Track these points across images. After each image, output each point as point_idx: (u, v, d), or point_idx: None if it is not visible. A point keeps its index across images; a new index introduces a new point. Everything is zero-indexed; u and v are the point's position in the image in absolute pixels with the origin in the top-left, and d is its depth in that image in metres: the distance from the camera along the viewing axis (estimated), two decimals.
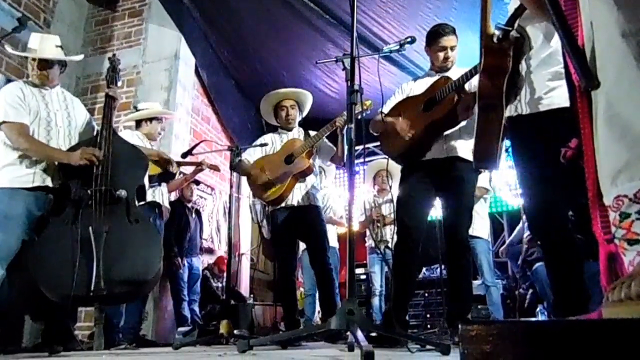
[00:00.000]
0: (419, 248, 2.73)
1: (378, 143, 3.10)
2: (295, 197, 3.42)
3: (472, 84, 2.61)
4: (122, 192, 2.67)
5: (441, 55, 2.83)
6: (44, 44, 2.91)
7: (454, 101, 2.55)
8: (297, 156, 3.37)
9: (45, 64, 2.86)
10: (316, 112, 3.82)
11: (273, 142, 3.59)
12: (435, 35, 2.83)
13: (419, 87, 2.88)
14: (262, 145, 3.56)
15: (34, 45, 2.91)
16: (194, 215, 4.92)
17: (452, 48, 2.83)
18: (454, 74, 2.78)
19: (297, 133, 3.58)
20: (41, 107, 2.79)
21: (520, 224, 4.57)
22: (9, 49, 3.01)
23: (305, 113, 3.71)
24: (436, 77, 2.81)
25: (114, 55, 3.23)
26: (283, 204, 3.42)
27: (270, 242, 3.64)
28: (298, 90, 3.70)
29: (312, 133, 3.43)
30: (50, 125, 2.81)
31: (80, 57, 3.25)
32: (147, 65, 5.23)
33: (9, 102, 2.69)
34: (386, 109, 2.94)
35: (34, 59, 2.86)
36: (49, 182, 2.72)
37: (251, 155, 3.58)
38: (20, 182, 2.64)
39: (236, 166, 3.40)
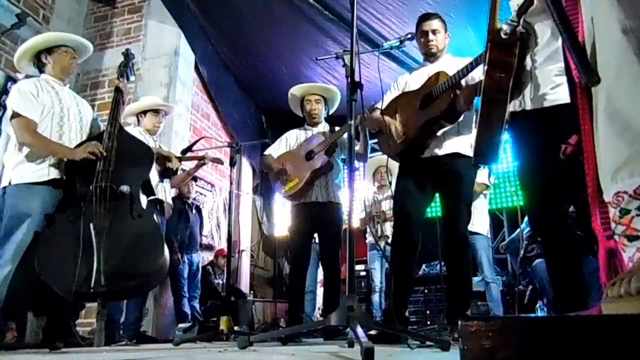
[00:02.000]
0: (419, 244, 2.73)
1: (377, 140, 3.09)
2: (315, 193, 3.43)
3: (470, 76, 2.61)
4: (125, 188, 2.66)
5: (423, 40, 2.84)
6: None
7: (451, 98, 2.54)
8: (318, 152, 3.39)
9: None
10: None
11: (298, 137, 3.62)
12: (417, 24, 2.88)
13: (415, 79, 2.86)
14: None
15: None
16: (193, 212, 4.93)
17: (433, 32, 2.82)
18: (446, 62, 2.80)
19: (323, 129, 3.59)
20: (55, 103, 2.81)
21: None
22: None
23: (332, 110, 3.72)
24: (430, 68, 2.81)
25: (127, 50, 3.22)
26: (303, 200, 3.45)
27: (289, 235, 3.66)
28: (325, 85, 3.75)
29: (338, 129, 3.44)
30: (63, 120, 2.82)
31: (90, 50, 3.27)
32: (147, 62, 5.22)
33: (22, 96, 2.70)
34: (383, 105, 2.93)
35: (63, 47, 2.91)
36: (61, 175, 2.74)
37: (276, 150, 3.64)
38: (36, 176, 2.66)
39: (260, 161, 3.45)
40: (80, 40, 3.06)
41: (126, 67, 3.10)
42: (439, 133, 2.71)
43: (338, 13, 4.71)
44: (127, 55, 3.15)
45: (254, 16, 5.05)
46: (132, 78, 3.14)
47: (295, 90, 3.64)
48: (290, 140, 3.64)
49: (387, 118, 2.79)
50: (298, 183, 3.40)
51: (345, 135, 3.38)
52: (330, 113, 3.73)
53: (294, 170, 3.45)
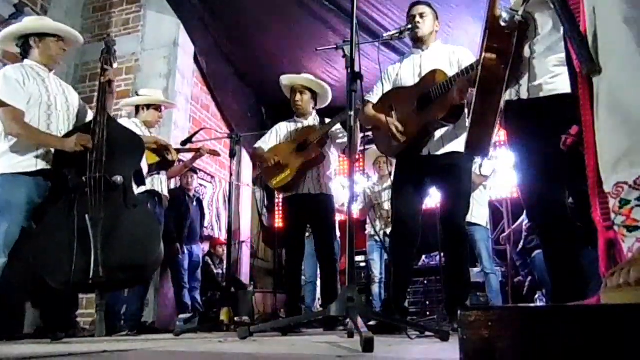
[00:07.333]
0: (418, 235, 2.74)
1: (372, 135, 3.07)
2: (307, 185, 3.43)
3: (464, 67, 2.57)
4: (118, 178, 2.65)
5: (411, 25, 2.82)
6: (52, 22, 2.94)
7: (451, 101, 2.50)
8: (309, 144, 3.38)
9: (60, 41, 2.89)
10: None
11: (288, 129, 3.61)
12: (407, 11, 2.88)
13: (406, 71, 2.84)
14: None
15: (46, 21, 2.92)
16: (194, 203, 4.92)
17: (420, 15, 2.81)
18: (437, 50, 2.79)
19: (313, 121, 3.57)
20: (42, 91, 2.76)
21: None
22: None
23: (322, 105, 3.68)
24: (422, 58, 2.79)
25: (108, 35, 3.18)
26: (294, 192, 3.45)
27: (270, 229, 3.67)
28: (310, 78, 3.64)
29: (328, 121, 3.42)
30: (50, 109, 2.77)
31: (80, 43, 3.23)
32: (146, 53, 5.19)
33: (8, 84, 2.64)
34: (375, 98, 2.91)
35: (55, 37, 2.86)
36: (50, 166, 2.70)
37: (266, 142, 3.63)
38: (22, 167, 2.62)
39: (252, 153, 3.44)
40: (74, 34, 3.01)
41: (109, 53, 3.03)
42: (437, 135, 2.71)
43: (338, 4, 4.68)
44: (108, 42, 3.08)
45: (254, 6, 5.01)
46: (115, 65, 3.07)
47: (284, 80, 3.62)
48: (281, 132, 3.62)
49: (383, 117, 2.78)
50: (289, 175, 3.39)
51: (335, 127, 3.40)
52: (321, 108, 3.69)
53: (284, 163, 3.43)
